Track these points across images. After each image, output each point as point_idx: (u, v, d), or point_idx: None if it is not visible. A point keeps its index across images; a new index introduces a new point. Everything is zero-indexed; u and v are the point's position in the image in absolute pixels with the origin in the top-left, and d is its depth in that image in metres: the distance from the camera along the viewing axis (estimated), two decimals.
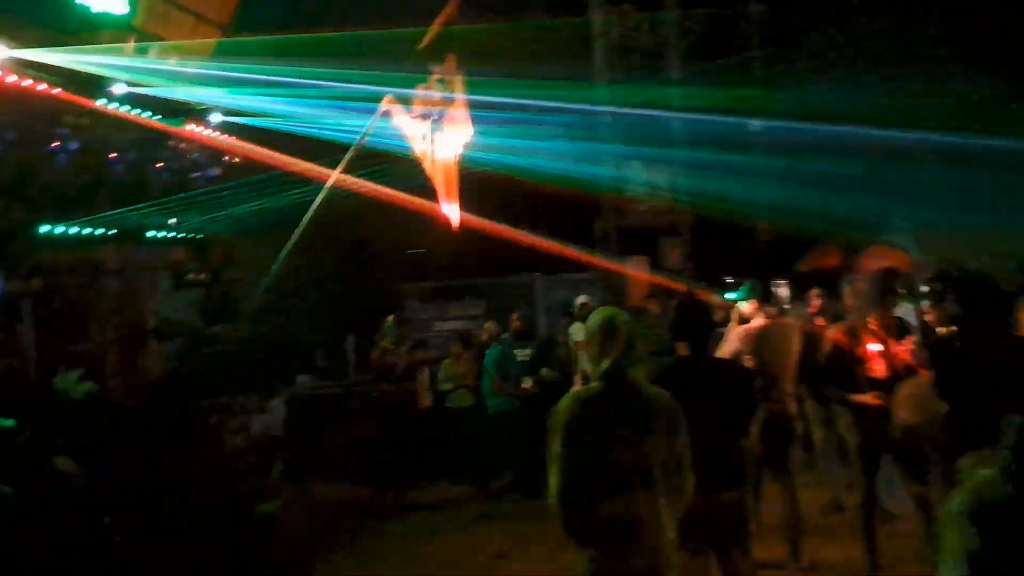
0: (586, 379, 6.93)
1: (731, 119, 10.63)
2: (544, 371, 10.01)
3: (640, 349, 3.67)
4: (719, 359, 5.37)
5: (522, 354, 10.32)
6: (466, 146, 9.97)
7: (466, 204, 10.37)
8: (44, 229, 8.52)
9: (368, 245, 16.66)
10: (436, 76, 10.11)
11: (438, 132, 10.19)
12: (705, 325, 4.63)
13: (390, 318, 10.98)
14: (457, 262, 13.84)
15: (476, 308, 14.22)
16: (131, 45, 10.97)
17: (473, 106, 9.71)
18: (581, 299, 10.48)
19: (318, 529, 8.78)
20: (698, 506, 3.63)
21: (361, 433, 10.71)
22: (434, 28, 10.18)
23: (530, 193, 11.76)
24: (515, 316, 10.80)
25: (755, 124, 11.88)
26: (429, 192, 10.46)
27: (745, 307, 7.18)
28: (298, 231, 10.77)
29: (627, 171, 12.17)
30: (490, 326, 10.78)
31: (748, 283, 7.35)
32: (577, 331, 9.54)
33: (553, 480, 3.39)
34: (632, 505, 3.28)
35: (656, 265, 14.04)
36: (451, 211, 10.23)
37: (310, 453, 12.86)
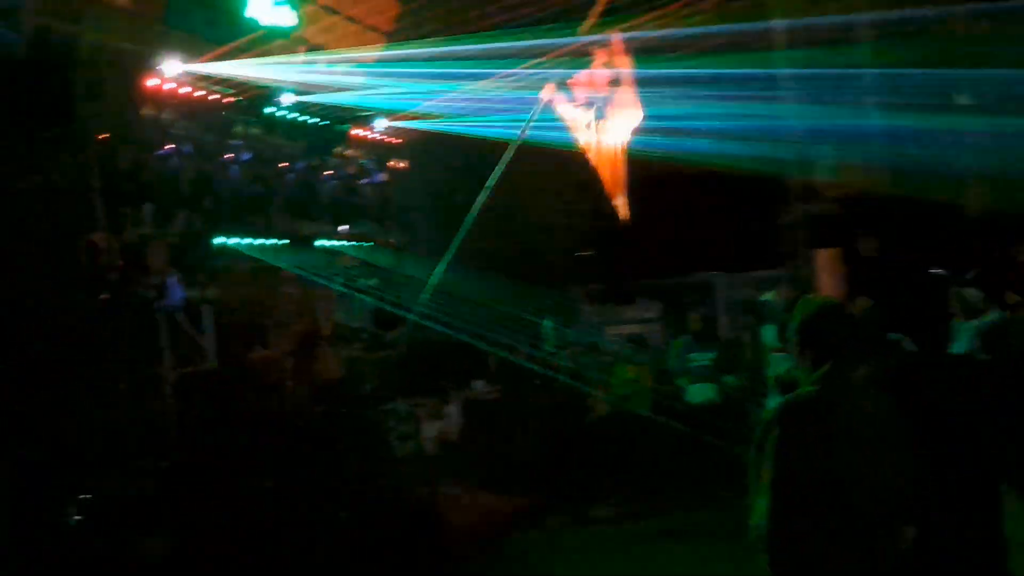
0: (786, 386, 6.03)
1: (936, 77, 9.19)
2: (729, 378, 9.09)
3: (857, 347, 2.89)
4: (961, 356, 4.37)
5: (703, 358, 9.47)
6: (635, 132, 9.27)
7: (636, 196, 9.67)
8: (219, 239, 8.60)
9: (534, 245, 16.26)
10: (600, 59, 9.51)
11: (603, 119, 9.58)
12: (942, 316, 3.71)
13: (547, 321, 10.46)
14: (627, 261, 13.08)
15: (650, 310, 13.41)
16: (300, 56, 11.21)
17: (642, 85, 8.99)
18: (768, 296, 9.49)
19: (489, 540, 8.37)
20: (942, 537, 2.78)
21: (536, 440, 10.28)
22: (598, 9, 9.61)
23: (706, 181, 10.84)
24: (695, 317, 9.94)
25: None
26: (595, 185, 9.86)
27: (973, 297, 6.06)
28: (460, 234, 10.50)
29: (815, 151, 10.96)
30: None
31: (975, 271, 6.24)
32: (768, 332, 8.56)
33: (759, 510, 2.66)
34: (872, 544, 2.51)
35: (853, 256, 12.61)
36: (619, 204, 9.57)
37: (485, 459, 12.59)
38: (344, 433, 9.56)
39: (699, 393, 9.32)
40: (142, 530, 6.57)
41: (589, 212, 10.85)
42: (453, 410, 11.14)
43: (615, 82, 9.39)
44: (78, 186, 8.37)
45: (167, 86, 8.01)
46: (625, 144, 9.26)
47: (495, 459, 12.33)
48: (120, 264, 7.66)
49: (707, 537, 7.38)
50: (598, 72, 9.40)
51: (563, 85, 9.42)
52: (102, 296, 7.65)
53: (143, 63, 7.91)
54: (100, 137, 7.93)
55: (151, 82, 7.86)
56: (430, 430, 10.22)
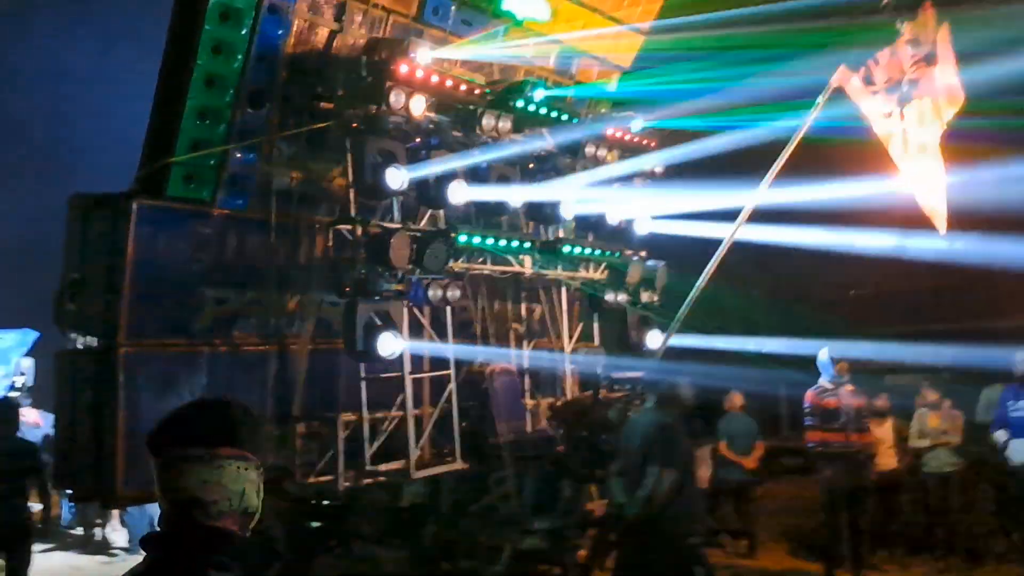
0: None
1: None
2: None
3: None
4: None
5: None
6: (955, 117, 7.61)
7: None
8: (463, 238, 8.10)
9: (802, 275, 14.62)
10: (906, 35, 7.96)
11: (910, 106, 7.98)
12: None
13: (823, 351, 8.92)
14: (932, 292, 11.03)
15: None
16: (554, 51, 10.67)
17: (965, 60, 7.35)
18: None
19: None
20: None
21: (805, 493, 8.87)
22: None
23: None
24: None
25: None
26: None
27: None
28: (718, 254, 9.28)
29: None
30: None
31: None
32: None
33: None
34: None
35: None
36: (934, 211, 7.85)
37: (740, 512, 11.26)
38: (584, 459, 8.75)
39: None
40: None
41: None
42: (705, 453, 10.13)
43: (928, 59, 7.80)
44: (329, 177, 8.29)
45: (418, 75, 7.62)
46: (943, 134, 7.61)
47: (753, 511, 10.90)
48: (363, 256, 7.37)
49: None
50: (905, 48, 7.86)
51: (858, 65, 7.98)
52: (345, 287, 7.38)
53: (396, 56, 7.61)
54: (354, 127, 7.72)
55: (403, 72, 7.50)
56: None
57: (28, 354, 11.79)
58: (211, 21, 7.30)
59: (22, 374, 11.28)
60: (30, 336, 12.16)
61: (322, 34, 8.29)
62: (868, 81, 8.00)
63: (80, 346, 7.13)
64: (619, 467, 6.82)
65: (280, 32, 7.96)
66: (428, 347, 8.22)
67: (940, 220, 7.61)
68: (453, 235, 8.18)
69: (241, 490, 2.28)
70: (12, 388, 11.34)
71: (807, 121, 8.21)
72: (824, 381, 8.78)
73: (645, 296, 11.12)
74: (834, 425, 8.53)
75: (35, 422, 9.95)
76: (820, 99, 8.11)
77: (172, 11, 7.44)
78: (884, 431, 9.85)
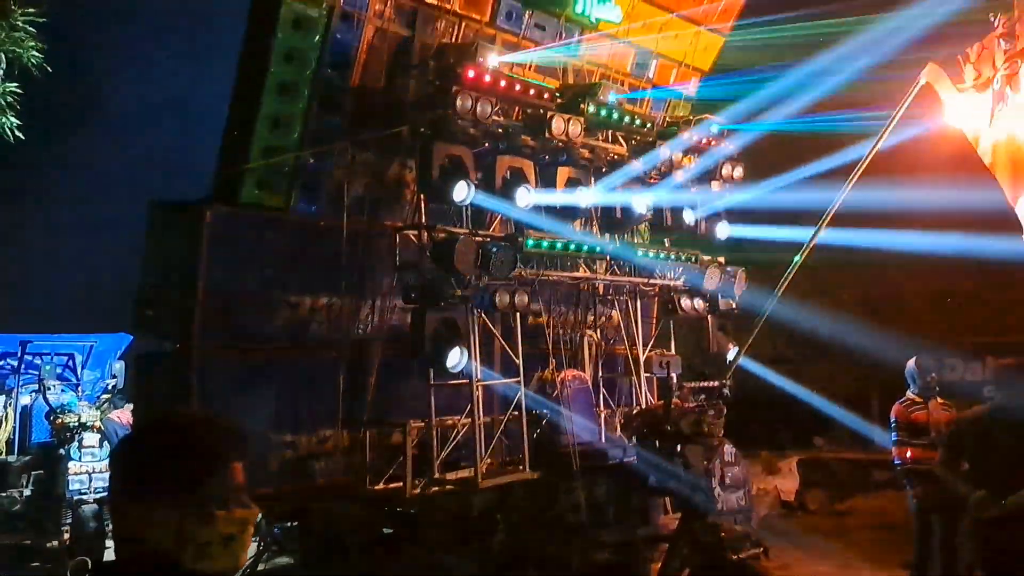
0: None
1: None
2: None
3: None
4: None
5: None
6: None
7: None
8: (531, 243, 8.00)
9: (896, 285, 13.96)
10: (1001, 28, 7.48)
11: (1004, 105, 7.49)
12: None
13: (912, 361, 8.41)
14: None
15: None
16: (630, 54, 10.50)
17: None
18: None
19: None
20: None
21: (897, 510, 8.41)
22: None
23: None
24: None
25: None
26: (988, 198, 7.72)
27: None
28: (799, 257, 8.92)
29: None
30: None
31: None
32: None
33: None
34: None
35: None
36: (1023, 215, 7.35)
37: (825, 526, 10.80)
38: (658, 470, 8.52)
39: None
40: None
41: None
42: (790, 466, 9.66)
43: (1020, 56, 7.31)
44: (399, 182, 8.33)
45: (486, 79, 7.59)
46: None
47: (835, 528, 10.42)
48: (429, 261, 7.36)
49: None
50: (997, 43, 7.39)
51: (948, 60, 7.55)
52: (412, 294, 7.38)
53: (464, 61, 7.59)
54: (422, 132, 7.73)
55: (470, 77, 7.47)
56: (764, 485, 8.74)
57: (121, 357, 12.29)
58: (284, 30, 7.44)
59: (114, 376, 11.76)
60: (124, 340, 12.67)
61: (393, 40, 8.35)
62: (958, 78, 7.55)
63: (158, 350, 7.34)
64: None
65: (352, 39, 8.06)
66: (496, 355, 8.14)
67: None
68: (521, 240, 8.09)
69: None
70: (105, 391, 11.83)
71: (893, 119, 7.81)
72: (912, 393, 8.30)
73: (723, 303, 10.79)
74: (924, 441, 8.03)
75: (128, 421, 10.36)
76: (901, 104, 7.69)
77: (247, 21, 7.62)
78: None
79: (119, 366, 11.85)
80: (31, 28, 6.29)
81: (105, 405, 11.19)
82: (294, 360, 7.65)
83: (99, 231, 14.29)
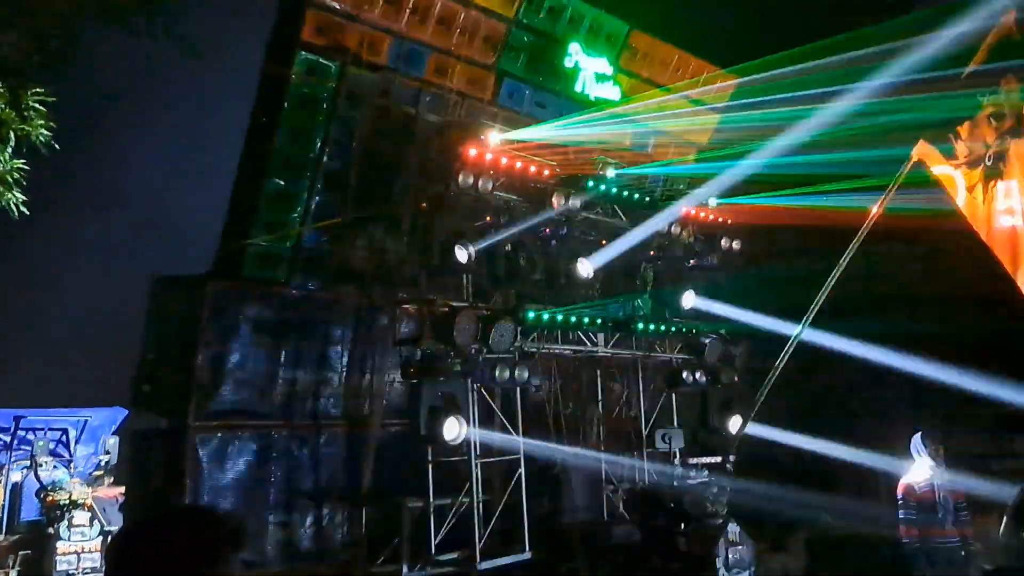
0: None
1: None
2: None
3: None
4: None
5: None
6: None
7: None
8: (532, 316, 7.98)
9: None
10: (989, 108, 7.64)
11: (997, 180, 7.60)
12: None
13: (917, 435, 8.26)
14: None
15: None
16: (629, 131, 10.69)
17: None
18: None
19: None
20: None
21: None
22: (984, 47, 7.78)
23: None
24: None
25: None
26: (987, 268, 7.77)
27: None
28: (801, 328, 8.89)
29: None
30: None
31: None
32: None
33: None
34: None
35: None
36: None
37: None
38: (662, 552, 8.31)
39: None
40: None
41: (978, 304, 8.69)
42: (797, 544, 9.39)
43: (1013, 132, 7.45)
44: (401, 258, 8.35)
45: (487, 156, 7.70)
46: None
47: None
48: (429, 335, 7.33)
49: None
50: (987, 120, 7.55)
51: (939, 139, 7.68)
52: (411, 368, 7.32)
53: (466, 139, 7.72)
54: (423, 207, 7.81)
55: (472, 153, 7.59)
56: (771, 564, 8.55)
57: (115, 432, 12.12)
58: (291, 108, 7.59)
59: (107, 452, 11.57)
60: (119, 414, 12.50)
61: (397, 118, 8.51)
62: (949, 155, 7.67)
63: (154, 426, 7.25)
64: None
65: (356, 117, 8.22)
66: (496, 431, 8.03)
67: None
68: (522, 314, 8.07)
69: None
70: (97, 467, 11.63)
71: (887, 195, 7.91)
72: (917, 468, 8.14)
73: (725, 376, 10.72)
74: (932, 518, 7.83)
75: (115, 497, 10.15)
76: (898, 174, 7.80)
77: (255, 99, 7.78)
78: (990, 524, 9.05)
79: (113, 442, 11.68)
80: (41, 107, 6.42)
81: (97, 482, 10.99)
82: (291, 437, 7.55)
83: (98, 304, 14.29)
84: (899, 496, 8.15)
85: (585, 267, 8.77)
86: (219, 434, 7.12)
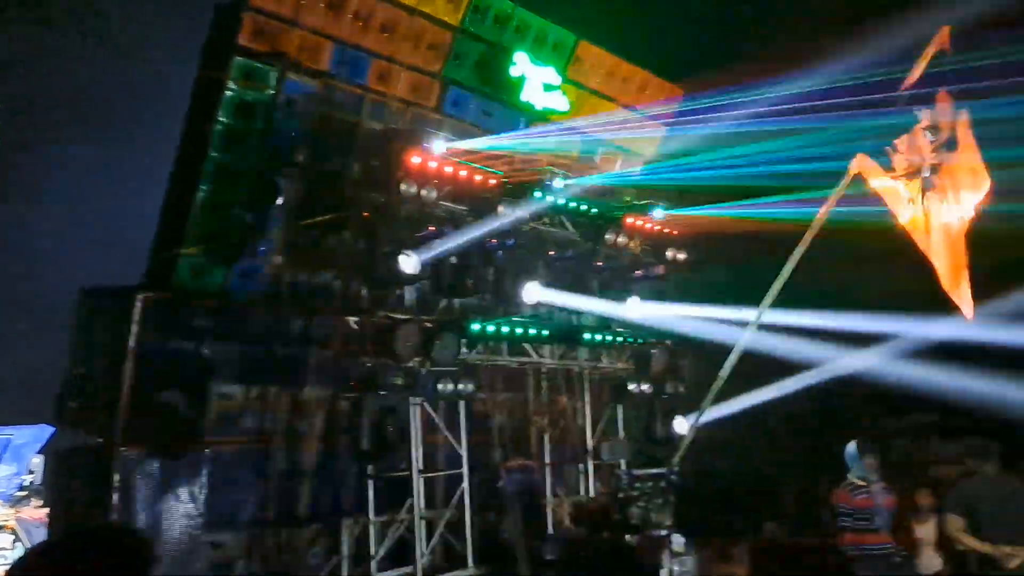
0: None
1: None
2: None
3: None
4: None
5: None
6: (979, 206, 7.32)
7: (983, 291, 7.53)
8: (476, 327, 7.86)
9: None
10: (924, 122, 7.76)
11: (933, 192, 7.72)
12: None
13: (852, 443, 8.35)
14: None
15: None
16: (577, 141, 10.68)
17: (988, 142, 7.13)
18: None
19: None
20: None
21: None
22: (920, 64, 7.92)
23: None
24: None
25: None
26: (924, 278, 7.89)
27: None
28: (745, 337, 8.93)
29: None
30: None
31: None
32: None
33: None
34: None
35: None
36: (961, 299, 7.48)
37: None
38: (605, 564, 8.24)
39: None
40: None
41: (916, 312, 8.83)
42: (742, 553, 9.41)
43: (949, 145, 7.58)
44: (342, 268, 8.17)
45: (432, 164, 7.56)
46: (967, 222, 7.31)
47: None
48: (370, 348, 7.16)
49: None
50: (923, 134, 7.67)
51: (877, 152, 7.78)
52: (351, 382, 7.14)
53: (409, 148, 7.58)
54: (365, 216, 7.64)
55: (415, 161, 7.44)
56: (716, 574, 8.56)
57: (41, 451, 11.64)
58: (226, 115, 7.37)
59: (31, 472, 11.11)
60: (45, 432, 12.01)
61: (339, 126, 8.34)
62: (888, 167, 7.78)
63: (80, 444, 6.94)
64: None
65: (296, 125, 8.02)
66: (440, 444, 7.88)
67: (967, 306, 7.23)
68: (466, 325, 7.94)
69: None
70: (20, 487, 11.15)
71: (826, 208, 7.98)
72: (853, 477, 8.21)
73: (670, 386, 10.73)
74: (869, 526, 7.92)
75: (40, 519, 9.72)
76: (836, 190, 7.88)
77: (189, 105, 7.53)
78: (927, 530, 9.18)
79: (38, 461, 11.21)
80: None
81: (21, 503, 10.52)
82: (225, 454, 7.29)
83: (22, 317, 13.75)
84: (836, 504, 8.23)
85: (531, 294, 8.64)
86: (150, 452, 6.83)
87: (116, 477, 6.47)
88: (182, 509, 6.78)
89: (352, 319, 7.41)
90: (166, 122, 8.56)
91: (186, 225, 7.13)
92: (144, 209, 8.03)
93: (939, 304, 7.55)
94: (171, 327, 7.04)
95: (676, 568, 8.18)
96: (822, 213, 8.18)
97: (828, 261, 8.61)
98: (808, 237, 8.19)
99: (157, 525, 6.74)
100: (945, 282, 7.53)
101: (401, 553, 7.59)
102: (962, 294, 7.38)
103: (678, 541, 8.38)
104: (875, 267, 8.91)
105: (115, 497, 6.41)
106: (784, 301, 8.66)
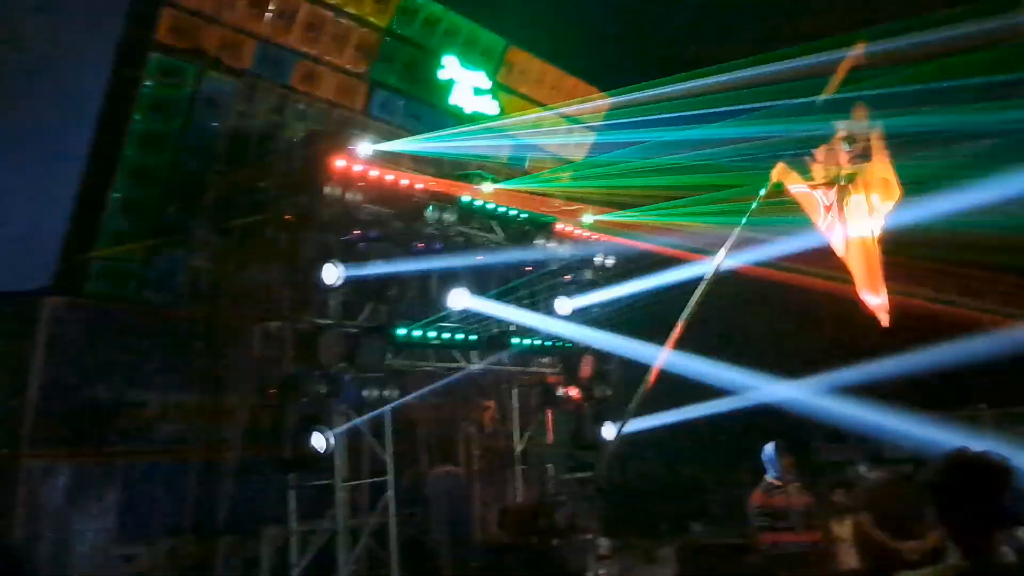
0: None
1: None
2: None
3: None
4: None
5: None
6: (891, 215, 7.57)
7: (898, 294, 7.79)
8: (402, 332, 7.76)
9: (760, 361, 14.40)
10: (841, 133, 8.00)
11: (850, 201, 7.96)
12: None
13: (770, 445, 8.55)
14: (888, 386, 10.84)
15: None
16: (502, 143, 10.67)
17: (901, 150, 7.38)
18: None
19: None
20: None
21: None
22: (837, 76, 8.16)
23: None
24: None
25: None
26: (842, 281, 8.12)
27: None
28: (669, 341, 9.04)
29: None
30: None
31: None
32: None
33: None
34: None
35: None
36: (876, 305, 7.71)
37: None
38: (532, 570, 8.23)
39: None
40: None
41: (832, 320, 9.08)
42: (668, 554, 9.52)
43: (863, 156, 7.82)
44: (263, 273, 7.98)
45: (356, 168, 7.45)
46: (880, 230, 7.55)
47: None
48: (292, 354, 7.00)
49: None
50: (840, 144, 7.90)
51: (796, 161, 7.98)
52: (272, 389, 6.97)
53: (333, 150, 7.45)
54: (287, 219, 7.47)
55: (340, 164, 7.31)
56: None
57: None
58: (141, 112, 7.13)
59: None
60: None
61: (261, 126, 8.15)
62: (807, 176, 7.98)
63: None
64: None
65: (216, 124, 7.81)
66: (364, 451, 7.75)
67: (883, 313, 7.46)
68: (391, 331, 7.83)
69: None
70: None
71: (748, 213, 8.15)
72: (770, 478, 8.39)
73: (599, 391, 10.79)
74: (784, 525, 8.11)
75: None
76: (759, 195, 8.06)
77: (103, 101, 7.25)
78: (844, 529, 9.44)
79: None
80: None
81: None
82: (140, 464, 7.03)
83: None
84: (753, 505, 8.40)
85: (458, 299, 8.55)
86: (57, 463, 6.54)
87: (20, 488, 6.17)
88: (93, 522, 6.50)
89: (274, 324, 7.24)
90: (76, 119, 8.25)
91: (98, 227, 6.86)
92: (51, 211, 7.70)
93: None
94: (80, 334, 6.75)
95: (602, 572, 8.24)
96: (744, 220, 8.35)
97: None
98: (729, 244, 8.31)
99: (66, 539, 6.46)
100: (861, 288, 7.75)
101: (324, 563, 7.43)
102: (876, 303, 7.61)
103: (604, 544, 8.44)
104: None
105: (21, 509, 6.11)
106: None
